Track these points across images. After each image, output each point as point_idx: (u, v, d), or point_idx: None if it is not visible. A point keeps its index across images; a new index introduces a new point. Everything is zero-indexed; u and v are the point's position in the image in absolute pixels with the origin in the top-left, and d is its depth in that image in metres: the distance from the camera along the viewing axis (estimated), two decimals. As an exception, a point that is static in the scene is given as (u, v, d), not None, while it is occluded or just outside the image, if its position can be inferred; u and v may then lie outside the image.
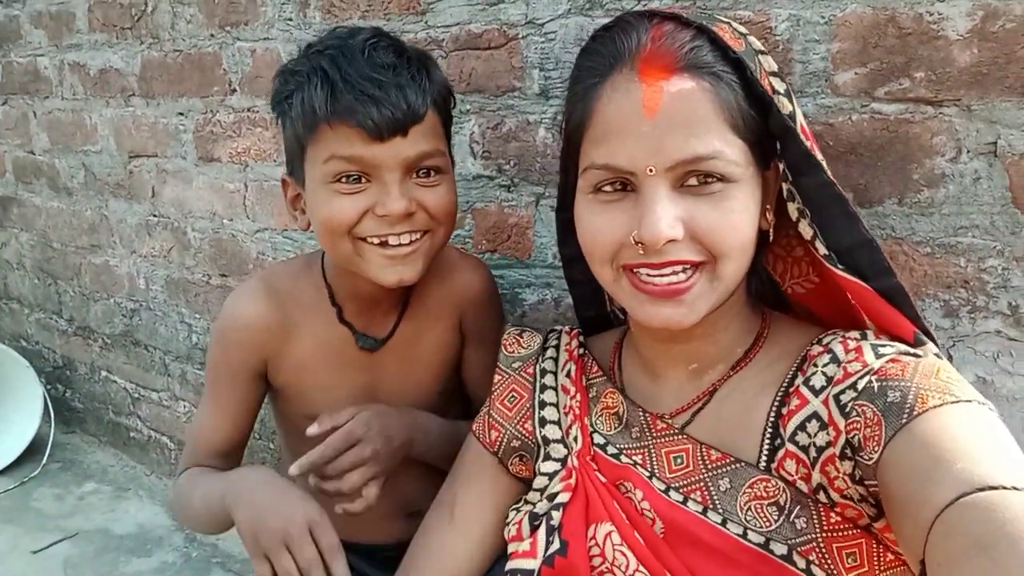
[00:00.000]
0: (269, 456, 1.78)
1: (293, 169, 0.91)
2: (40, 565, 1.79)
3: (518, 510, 0.81)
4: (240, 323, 0.97)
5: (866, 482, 0.60)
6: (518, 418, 0.84)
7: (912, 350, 0.66)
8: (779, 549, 0.65)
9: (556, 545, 0.73)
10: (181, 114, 1.73)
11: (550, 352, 0.87)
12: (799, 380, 0.69)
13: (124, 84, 1.85)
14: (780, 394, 0.70)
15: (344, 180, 0.84)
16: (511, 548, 0.78)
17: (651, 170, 0.65)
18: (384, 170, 0.84)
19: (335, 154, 0.83)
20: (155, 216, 1.90)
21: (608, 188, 0.69)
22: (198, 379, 1.92)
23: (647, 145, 0.65)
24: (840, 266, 0.70)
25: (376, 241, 0.86)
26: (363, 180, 0.85)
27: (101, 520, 1.97)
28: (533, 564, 0.74)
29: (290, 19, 1.43)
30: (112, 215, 2.03)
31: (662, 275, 0.67)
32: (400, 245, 0.86)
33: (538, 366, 0.86)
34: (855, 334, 0.69)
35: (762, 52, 0.70)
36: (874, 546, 0.64)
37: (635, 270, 0.68)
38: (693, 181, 0.66)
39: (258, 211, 1.62)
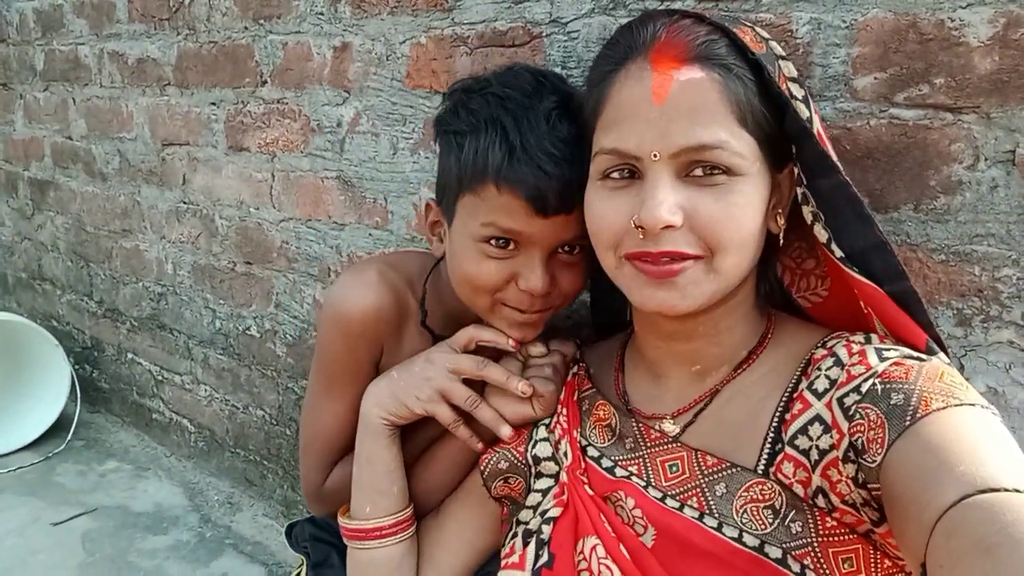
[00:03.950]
0: (285, 443, 1.81)
1: (443, 200, 0.88)
2: (60, 537, 1.83)
3: (516, 534, 0.82)
4: (369, 315, 0.93)
5: (869, 485, 0.60)
6: (512, 441, 0.87)
7: (916, 353, 0.66)
8: (774, 552, 0.65)
9: (544, 558, 0.75)
10: (213, 104, 1.77)
11: None
12: (803, 384, 0.69)
13: (160, 74, 1.90)
14: (784, 399, 0.70)
15: (494, 243, 0.82)
16: (503, 561, 0.80)
17: (655, 155, 0.66)
18: (535, 245, 0.82)
19: (496, 223, 0.81)
20: (185, 203, 1.94)
21: (616, 175, 0.70)
22: (219, 364, 1.96)
23: (653, 131, 0.66)
24: (855, 269, 0.70)
25: (512, 304, 0.86)
26: (511, 246, 0.82)
27: (120, 497, 2.02)
28: None
29: (321, 13, 1.45)
30: (144, 201, 2.08)
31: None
32: (531, 312, 0.86)
33: None
34: (859, 337, 0.69)
35: (783, 57, 0.71)
36: (871, 552, 0.63)
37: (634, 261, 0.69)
38: (698, 172, 0.66)
39: (284, 200, 1.65)
